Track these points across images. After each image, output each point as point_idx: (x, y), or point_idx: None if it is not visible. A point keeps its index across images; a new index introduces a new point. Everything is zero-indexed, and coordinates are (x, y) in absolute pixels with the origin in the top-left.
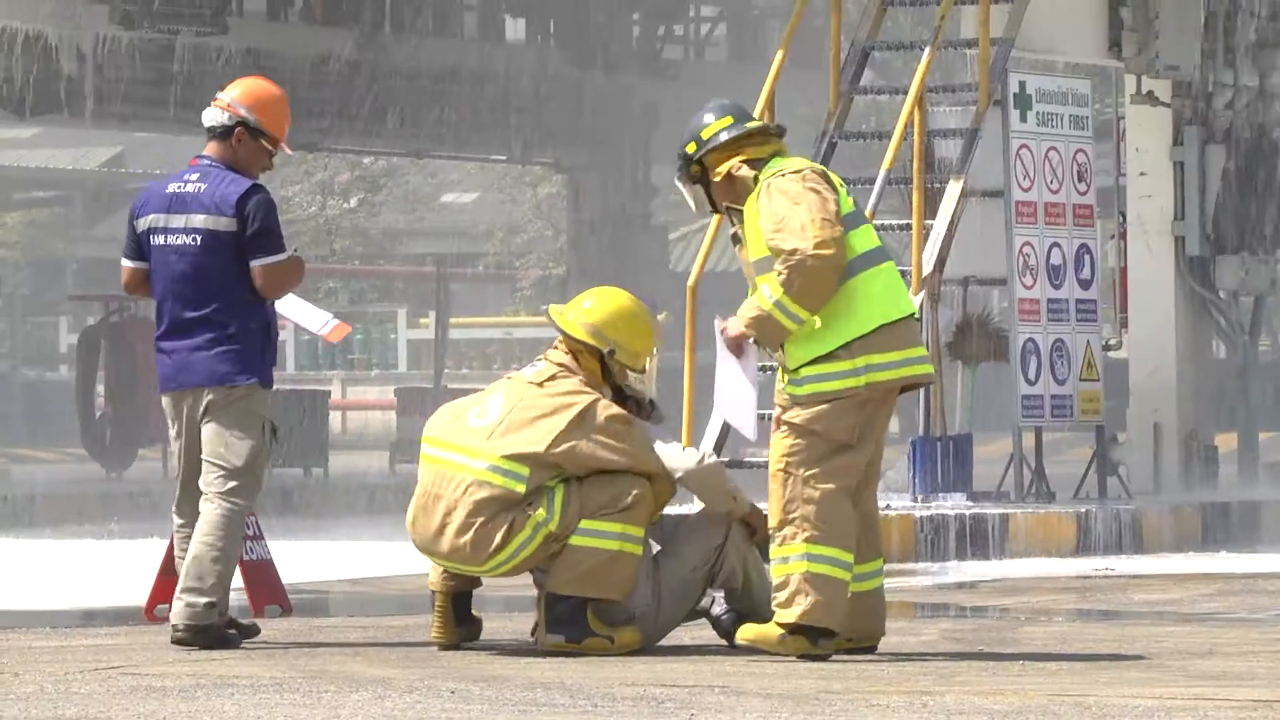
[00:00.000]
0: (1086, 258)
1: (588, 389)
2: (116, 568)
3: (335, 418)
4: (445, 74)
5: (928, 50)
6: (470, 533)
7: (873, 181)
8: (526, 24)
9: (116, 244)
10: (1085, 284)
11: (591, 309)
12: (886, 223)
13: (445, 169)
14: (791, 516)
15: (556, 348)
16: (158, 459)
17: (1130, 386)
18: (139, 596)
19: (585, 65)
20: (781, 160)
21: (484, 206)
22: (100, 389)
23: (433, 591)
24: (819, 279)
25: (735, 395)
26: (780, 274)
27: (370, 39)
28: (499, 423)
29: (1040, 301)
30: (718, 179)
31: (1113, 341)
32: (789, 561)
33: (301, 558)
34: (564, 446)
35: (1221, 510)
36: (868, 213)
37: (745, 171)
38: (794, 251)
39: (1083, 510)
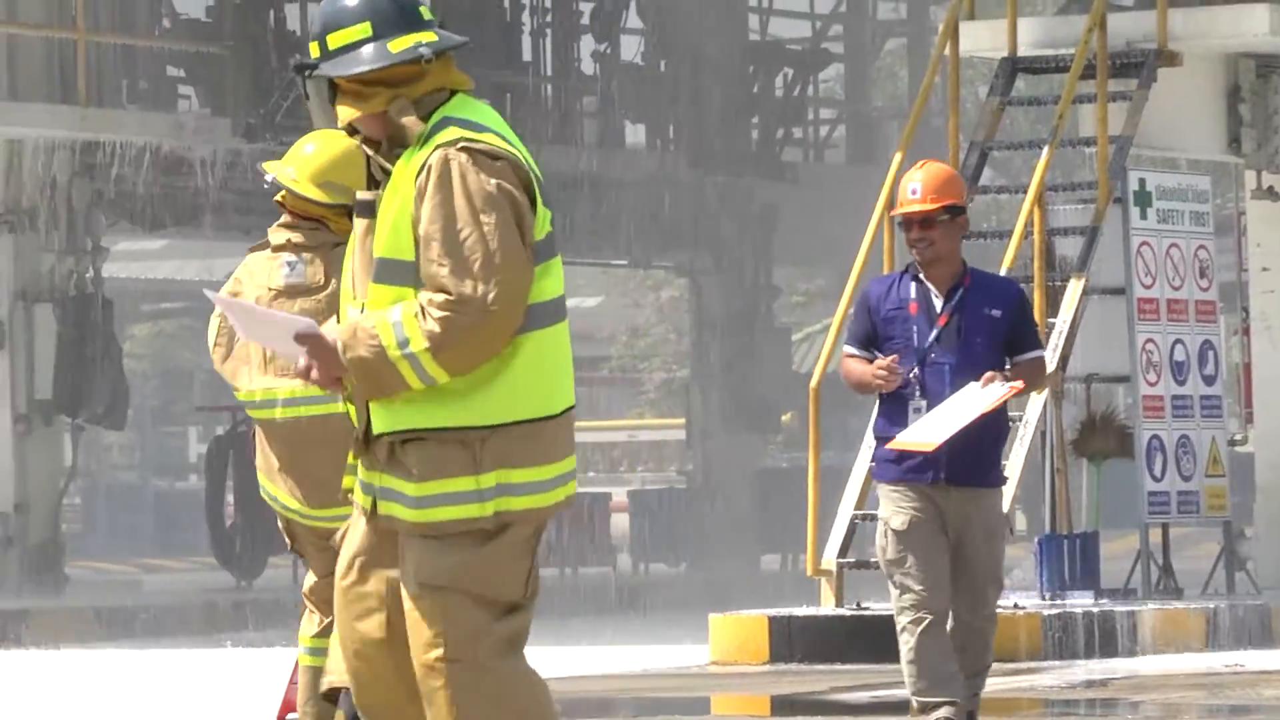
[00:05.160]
0: (1210, 353)
1: None
2: (247, 677)
3: None
4: (567, 180)
5: (1046, 149)
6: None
7: None
8: (646, 129)
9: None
10: (1209, 380)
11: (311, 156)
12: None
13: (569, 274)
14: None
15: (293, 226)
16: (288, 567)
17: (1256, 481)
18: (270, 707)
19: (705, 168)
20: (463, 106)
21: (607, 310)
22: (229, 498)
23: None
24: (483, 343)
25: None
26: (429, 318)
27: None
28: None
29: (1165, 398)
30: (357, 111)
31: (1238, 436)
32: None
33: None
34: None
35: None
36: None
37: (410, 119)
38: (461, 299)
39: (1211, 606)
